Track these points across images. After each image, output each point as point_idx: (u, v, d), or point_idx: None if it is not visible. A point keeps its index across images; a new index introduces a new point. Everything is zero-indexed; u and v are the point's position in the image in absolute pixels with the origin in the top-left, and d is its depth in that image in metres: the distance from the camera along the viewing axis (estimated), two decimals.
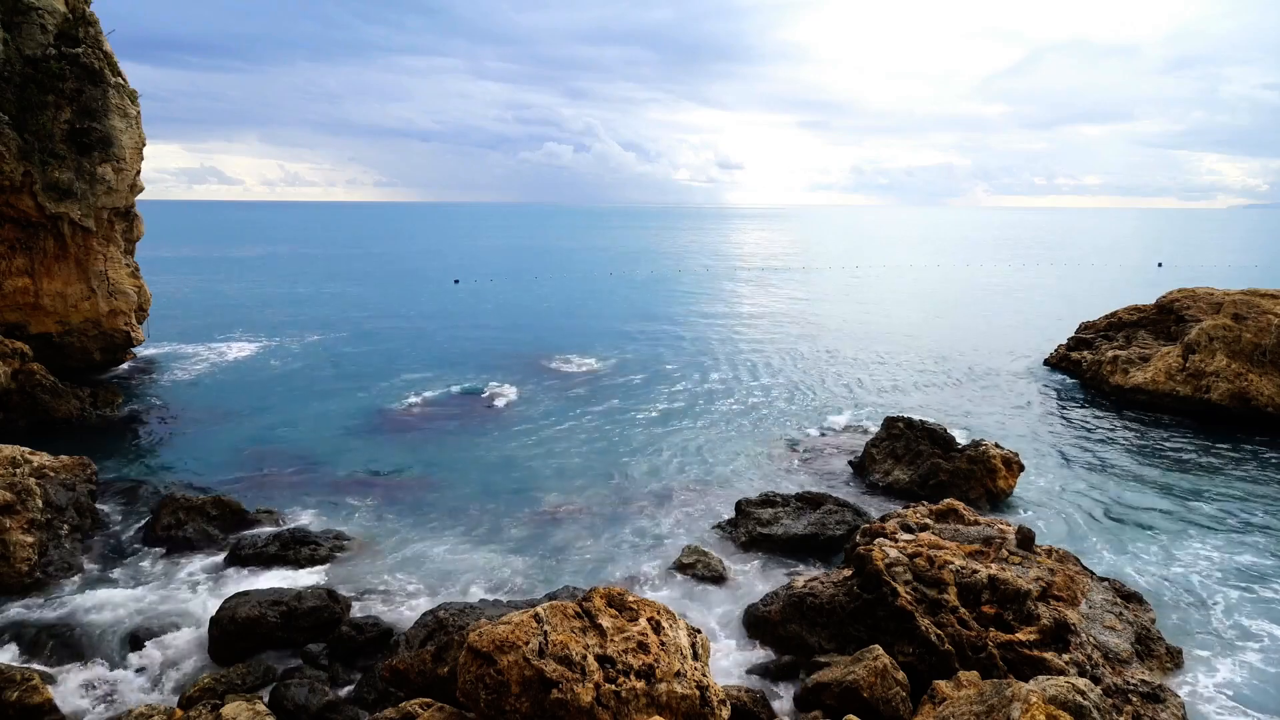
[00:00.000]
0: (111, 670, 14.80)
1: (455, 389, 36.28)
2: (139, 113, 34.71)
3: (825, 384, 38.38)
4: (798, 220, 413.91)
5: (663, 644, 11.09)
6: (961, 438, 26.21)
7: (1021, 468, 24.44)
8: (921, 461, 24.53)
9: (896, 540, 16.09)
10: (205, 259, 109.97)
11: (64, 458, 21.22)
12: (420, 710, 11.43)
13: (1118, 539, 20.96)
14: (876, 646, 13.24)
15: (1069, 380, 38.66)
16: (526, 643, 10.51)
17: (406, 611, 16.69)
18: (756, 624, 15.82)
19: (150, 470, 25.47)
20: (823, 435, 29.95)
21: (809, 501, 21.45)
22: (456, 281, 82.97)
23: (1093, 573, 16.73)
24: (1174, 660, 14.77)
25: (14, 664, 14.01)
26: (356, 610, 16.74)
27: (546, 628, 10.81)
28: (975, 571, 14.71)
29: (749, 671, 14.78)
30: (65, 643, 15.36)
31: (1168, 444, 28.82)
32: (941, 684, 12.15)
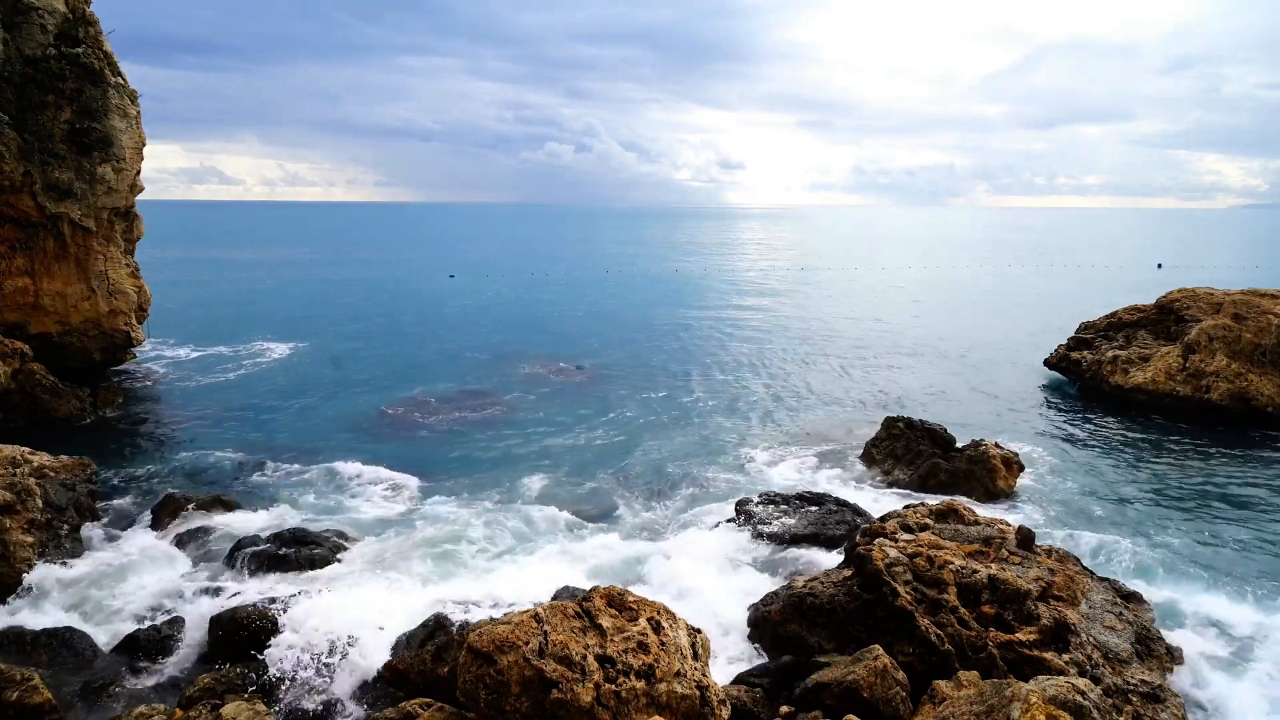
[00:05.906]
0: (111, 670, 14.78)
1: (453, 389, 36.28)
2: (139, 113, 34.68)
3: (825, 383, 38.38)
4: (799, 220, 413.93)
5: (663, 644, 11.09)
6: (961, 437, 26.18)
7: (1021, 468, 24.44)
8: (921, 461, 24.53)
9: (896, 540, 16.06)
10: (205, 259, 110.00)
11: (64, 458, 21.20)
12: (420, 710, 11.43)
13: (1118, 538, 20.93)
14: (876, 646, 13.21)
15: (1069, 380, 38.64)
16: (526, 643, 10.51)
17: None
18: (756, 624, 15.80)
19: (150, 470, 25.46)
20: (822, 434, 29.94)
21: (809, 501, 21.44)
22: (452, 276, 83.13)
23: (1093, 573, 16.71)
24: (1174, 660, 14.75)
25: (13, 664, 13.99)
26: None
27: (546, 628, 10.80)
28: (975, 571, 14.69)
29: (749, 671, 14.76)
30: (65, 642, 15.33)
31: (1168, 444, 28.80)
32: (941, 684, 12.13)
